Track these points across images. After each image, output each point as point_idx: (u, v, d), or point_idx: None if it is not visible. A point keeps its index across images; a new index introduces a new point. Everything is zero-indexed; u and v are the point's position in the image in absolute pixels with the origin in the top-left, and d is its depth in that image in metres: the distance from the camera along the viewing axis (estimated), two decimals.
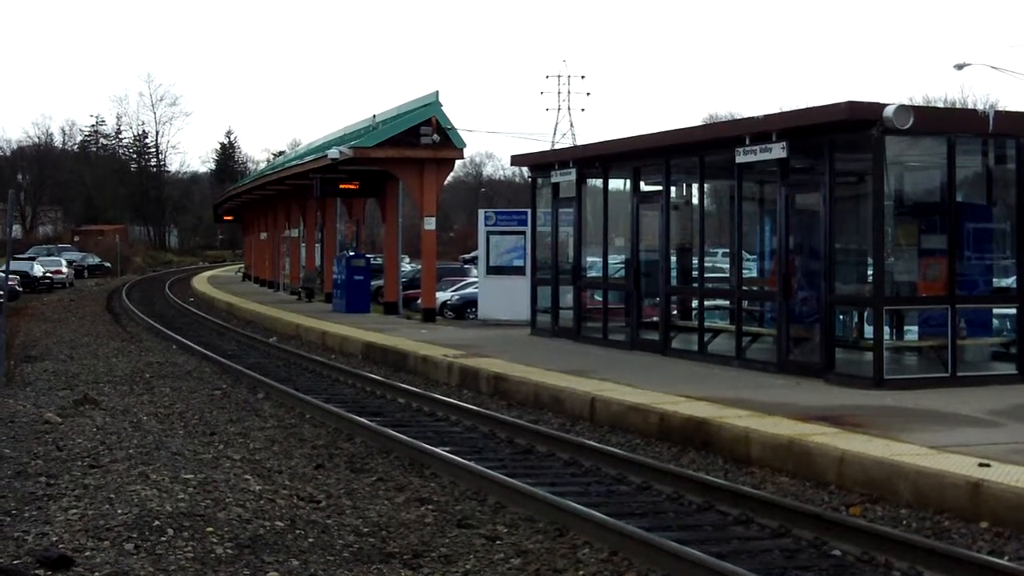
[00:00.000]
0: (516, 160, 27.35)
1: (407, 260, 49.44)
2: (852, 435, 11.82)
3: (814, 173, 17.51)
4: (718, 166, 19.51)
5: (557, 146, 75.64)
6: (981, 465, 10.14)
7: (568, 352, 21.05)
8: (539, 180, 25.44)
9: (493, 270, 29.75)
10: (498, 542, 9.19)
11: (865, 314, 17.42)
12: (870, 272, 16.49)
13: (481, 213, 31.42)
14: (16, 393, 17.30)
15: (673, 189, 21.08)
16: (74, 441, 12.86)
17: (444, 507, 10.40)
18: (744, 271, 19.61)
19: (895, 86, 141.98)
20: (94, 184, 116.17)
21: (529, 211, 27.11)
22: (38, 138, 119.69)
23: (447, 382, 19.35)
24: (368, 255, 39.28)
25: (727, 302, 20.09)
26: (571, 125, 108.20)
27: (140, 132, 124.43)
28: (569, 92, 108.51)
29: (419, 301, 33.37)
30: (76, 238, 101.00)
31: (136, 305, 43.50)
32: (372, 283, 36.29)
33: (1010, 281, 17.43)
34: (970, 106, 64.99)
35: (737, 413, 13.38)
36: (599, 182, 23.20)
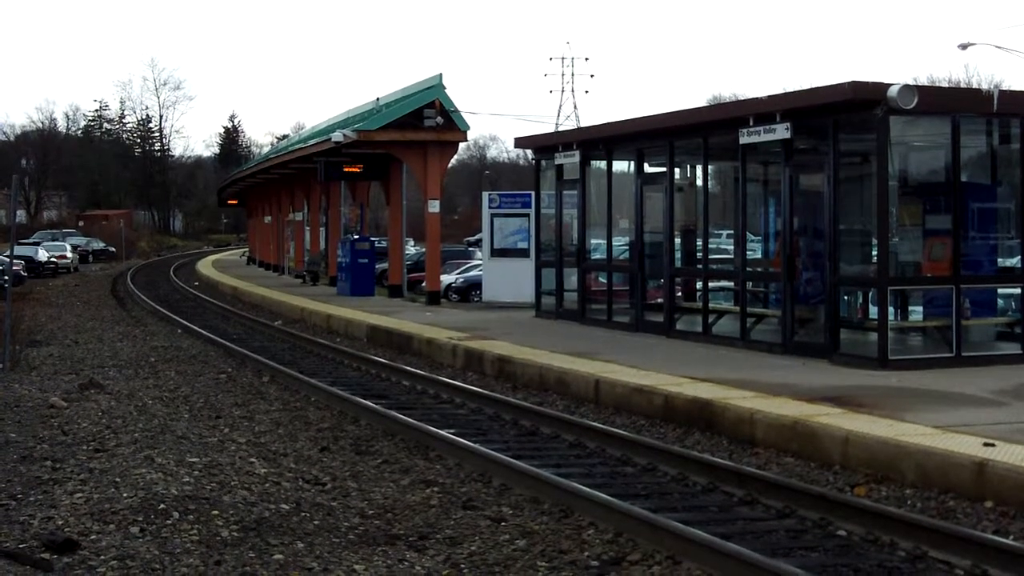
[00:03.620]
0: (520, 142, 27.30)
1: (411, 243, 49.47)
2: (857, 415, 11.81)
3: (818, 153, 17.47)
4: (722, 147, 19.46)
5: (561, 128, 75.54)
6: (986, 445, 10.13)
7: (572, 334, 21.05)
8: (543, 162, 25.39)
9: (497, 252, 29.77)
10: (503, 524, 9.21)
11: (870, 294, 17.38)
12: (874, 252, 16.46)
13: (485, 195, 31.40)
14: (21, 378, 17.34)
15: (677, 170, 21.02)
16: (79, 425, 12.89)
17: (449, 489, 10.41)
18: (748, 252, 19.58)
19: (899, 66, 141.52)
20: (98, 169, 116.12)
21: (533, 193, 27.07)
22: (42, 123, 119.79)
23: (452, 364, 19.36)
24: (372, 238, 39.32)
25: (731, 283, 20.07)
26: (575, 107, 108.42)
27: (144, 116, 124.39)
28: (573, 74, 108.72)
29: (423, 284, 33.37)
30: (80, 223, 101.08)
31: (141, 289, 43.53)
32: (376, 266, 36.30)
33: (1015, 261, 17.40)
34: (975, 86, 64.79)
35: (742, 394, 13.38)
36: (603, 164, 23.16)
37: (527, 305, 26.19)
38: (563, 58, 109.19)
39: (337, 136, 31.75)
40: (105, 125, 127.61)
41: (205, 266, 63.61)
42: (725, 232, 24.42)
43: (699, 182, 20.91)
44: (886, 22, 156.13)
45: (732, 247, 20.65)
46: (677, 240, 20.81)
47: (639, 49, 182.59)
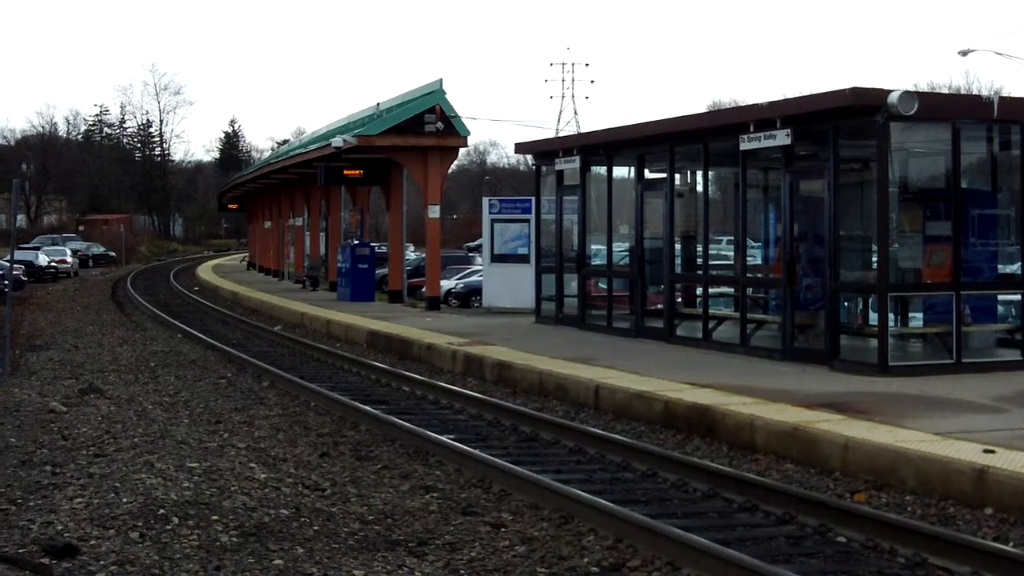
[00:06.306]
0: (520, 148, 27.32)
1: (411, 248, 49.47)
2: (857, 422, 11.81)
3: (818, 160, 17.48)
4: (722, 153, 19.47)
5: (561, 134, 75.63)
6: (986, 451, 10.13)
7: (572, 340, 21.04)
8: (543, 168, 25.40)
9: (497, 258, 29.75)
10: (503, 529, 9.20)
11: (870, 301, 17.39)
12: (875, 259, 16.46)
13: (485, 201, 31.39)
14: (21, 382, 17.33)
15: (677, 176, 21.04)
16: (79, 430, 12.88)
17: (449, 495, 10.40)
18: (748, 258, 19.58)
19: (899, 72, 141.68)
20: (98, 173, 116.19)
21: (533, 199, 27.07)
22: (42, 128, 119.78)
23: (452, 370, 19.35)
24: (372, 243, 39.31)
25: (731, 289, 20.06)
26: (575, 112, 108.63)
27: (144, 121, 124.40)
28: (573, 79, 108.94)
29: (423, 289, 33.36)
30: (81, 227, 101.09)
31: (141, 294, 43.51)
32: (376, 271, 36.29)
33: (1015, 267, 17.41)
34: (975, 92, 64.79)
35: (742, 400, 13.37)
36: (603, 169, 23.16)
37: (527, 311, 26.19)
38: (563, 64, 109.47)
39: (337, 141, 31.77)
40: (105, 130, 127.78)
41: (205, 271, 63.60)
42: (725, 238, 24.42)
43: (699, 188, 20.92)
44: (886, 28, 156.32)
45: (732, 253, 20.65)
46: (677, 246, 20.80)
47: (639, 55, 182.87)
